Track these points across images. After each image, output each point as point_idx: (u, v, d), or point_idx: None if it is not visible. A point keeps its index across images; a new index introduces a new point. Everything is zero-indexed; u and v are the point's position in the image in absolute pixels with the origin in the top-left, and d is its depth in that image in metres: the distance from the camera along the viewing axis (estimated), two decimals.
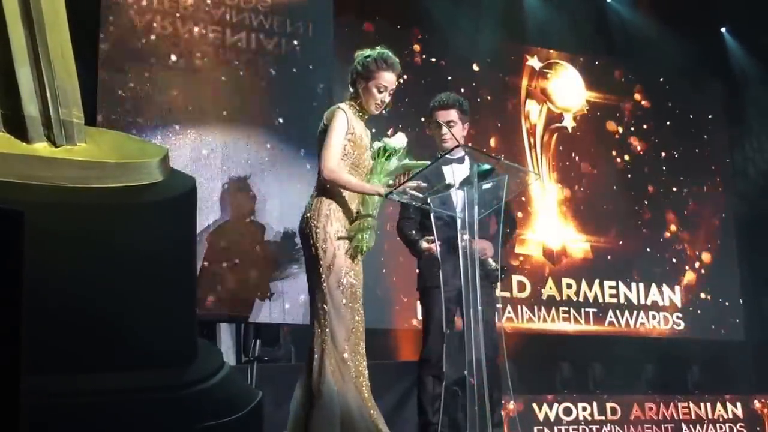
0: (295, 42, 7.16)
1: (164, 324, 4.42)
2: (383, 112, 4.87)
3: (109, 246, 4.23)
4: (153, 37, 6.57)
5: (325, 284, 4.57)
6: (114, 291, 4.21)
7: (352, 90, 4.82)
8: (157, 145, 5.40)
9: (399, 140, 4.73)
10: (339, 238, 4.59)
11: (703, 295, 10.53)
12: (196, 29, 6.75)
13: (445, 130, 5.36)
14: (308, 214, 4.67)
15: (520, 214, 9.32)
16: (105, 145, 4.59)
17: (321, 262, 4.58)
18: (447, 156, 5.00)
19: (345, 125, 4.66)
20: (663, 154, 10.70)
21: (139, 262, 4.31)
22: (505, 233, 5.44)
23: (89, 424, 4.08)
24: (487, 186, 4.51)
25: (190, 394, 4.47)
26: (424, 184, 4.54)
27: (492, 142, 9.66)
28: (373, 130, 4.91)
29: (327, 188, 4.67)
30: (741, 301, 10.70)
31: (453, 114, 5.45)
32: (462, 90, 8.73)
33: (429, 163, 4.77)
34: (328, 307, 4.55)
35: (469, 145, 4.74)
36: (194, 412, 4.42)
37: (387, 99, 4.79)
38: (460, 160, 5.30)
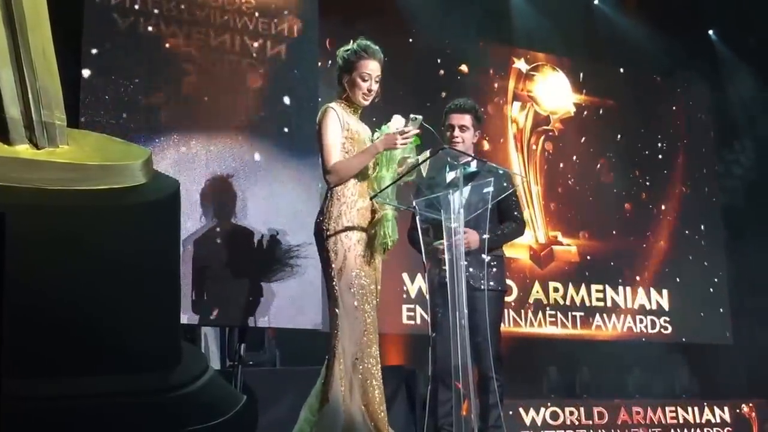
0: (281, 43, 7.12)
1: (148, 327, 4.39)
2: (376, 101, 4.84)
3: (91, 249, 4.21)
4: (136, 38, 6.53)
5: (336, 287, 4.56)
6: (97, 294, 4.19)
7: (339, 87, 4.81)
8: (141, 147, 5.37)
9: (394, 123, 4.66)
10: (348, 228, 4.57)
11: (690, 299, 10.49)
12: (180, 31, 6.71)
13: (457, 133, 5.37)
14: (320, 218, 4.67)
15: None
16: (88, 147, 4.57)
17: (332, 265, 4.58)
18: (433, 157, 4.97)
19: (337, 123, 4.65)
20: (650, 156, 10.68)
21: (123, 265, 4.29)
22: (511, 231, 5.55)
23: (73, 427, 4.06)
24: (473, 188, 4.50)
25: (175, 397, 4.46)
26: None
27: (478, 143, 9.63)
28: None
29: (335, 190, 4.65)
30: (729, 305, 10.68)
31: (467, 119, 5.44)
32: (451, 91, 8.72)
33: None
34: (340, 310, 4.55)
35: (445, 147, 4.69)
36: (179, 416, 4.41)
37: (374, 87, 4.76)
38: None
